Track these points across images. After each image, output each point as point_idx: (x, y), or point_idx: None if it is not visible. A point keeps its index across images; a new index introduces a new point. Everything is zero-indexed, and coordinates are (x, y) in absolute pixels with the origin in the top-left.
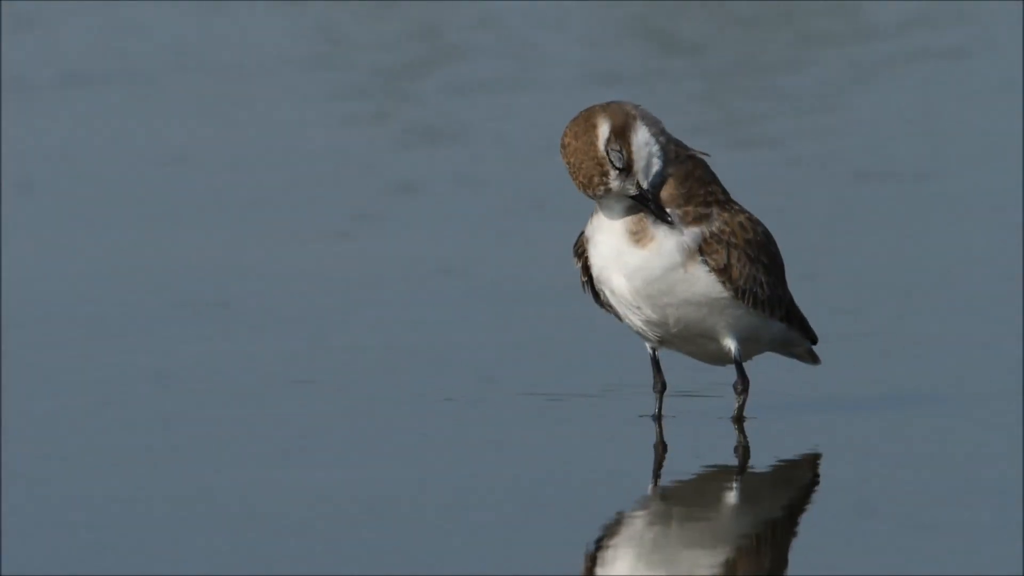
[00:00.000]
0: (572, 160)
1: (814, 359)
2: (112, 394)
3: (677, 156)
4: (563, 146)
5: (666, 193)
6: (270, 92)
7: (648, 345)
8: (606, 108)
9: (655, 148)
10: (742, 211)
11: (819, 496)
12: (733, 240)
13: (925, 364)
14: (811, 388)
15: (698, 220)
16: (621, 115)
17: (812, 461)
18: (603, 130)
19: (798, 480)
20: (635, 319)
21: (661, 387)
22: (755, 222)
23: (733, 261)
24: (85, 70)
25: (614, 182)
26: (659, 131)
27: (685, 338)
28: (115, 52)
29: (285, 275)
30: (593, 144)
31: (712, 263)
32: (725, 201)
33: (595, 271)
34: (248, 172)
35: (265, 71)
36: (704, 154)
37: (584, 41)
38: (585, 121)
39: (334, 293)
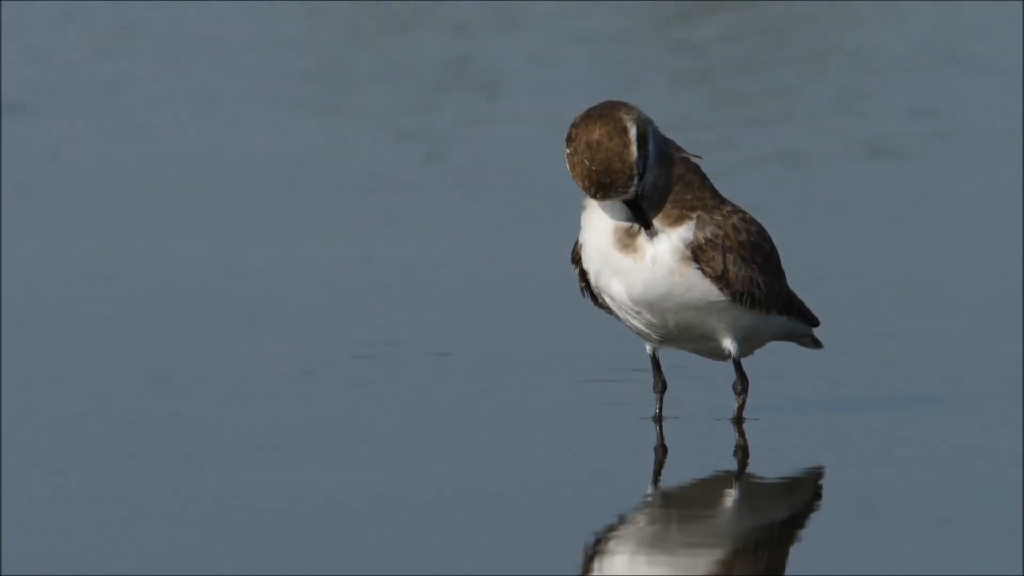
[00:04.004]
0: (600, 159)
1: (816, 344)
2: (112, 394)
3: (671, 159)
4: (592, 144)
5: (654, 195)
6: (270, 93)
7: (648, 345)
8: (627, 110)
9: (656, 153)
10: (735, 211)
11: (819, 496)
12: (728, 244)
13: (925, 364)
14: (812, 389)
15: (679, 221)
16: (640, 120)
17: (812, 462)
18: (633, 134)
19: (798, 481)
20: (635, 322)
21: (661, 387)
22: (748, 221)
23: (729, 266)
24: (87, 72)
25: (632, 188)
26: (656, 133)
27: (686, 338)
28: (118, 55)
29: (285, 275)
30: (627, 147)
31: (709, 270)
32: (715, 206)
33: (591, 278)
34: (248, 172)
35: (265, 71)
36: (697, 156)
37: (585, 40)
38: (615, 122)
39: (334, 293)
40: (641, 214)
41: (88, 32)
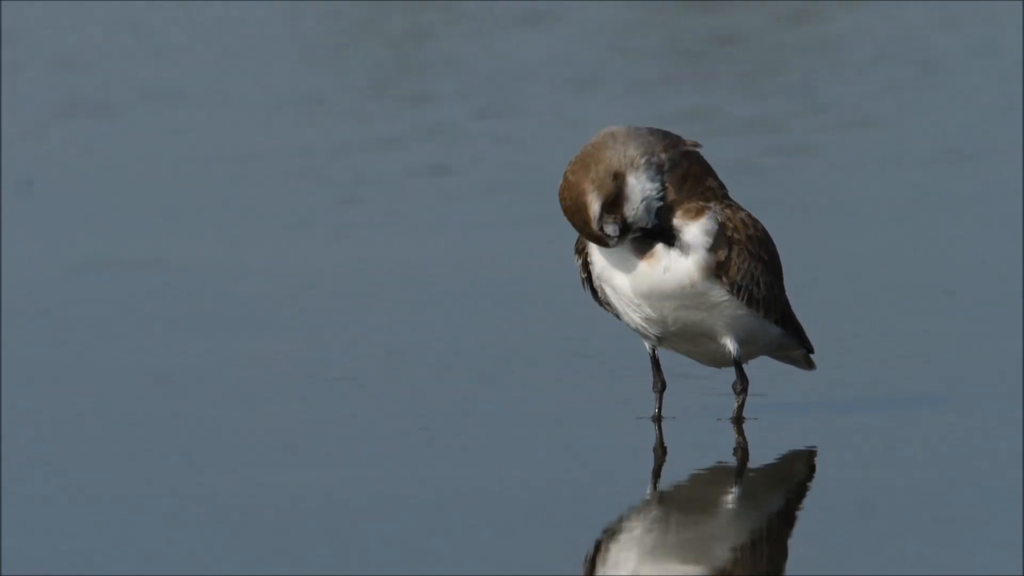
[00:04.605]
0: (576, 227)
1: (810, 364)
2: (112, 394)
3: (672, 160)
4: (565, 212)
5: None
6: (271, 93)
7: (647, 344)
8: (593, 175)
9: (652, 187)
10: (740, 208)
11: (818, 496)
12: (736, 236)
13: (925, 364)
14: (810, 389)
15: (700, 213)
16: (609, 180)
17: (811, 461)
18: (594, 210)
19: (798, 480)
20: (635, 316)
21: (661, 386)
22: (755, 220)
23: (733, 256)
24: (88, 72)
25: (616, 242)
26: (651, 152)
27: (684, 337)
28: (118, 55)
29: (285, 275)
30: (587, 223)
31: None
32: (724, 196)
33: (595, 270)
34: (249, 172)
35: (267, 72)
36: (697, 144)
37: (586, 39)
38: (575, 200)
39: (334, 293)
40: (655, 236)
41: (89, 32)
